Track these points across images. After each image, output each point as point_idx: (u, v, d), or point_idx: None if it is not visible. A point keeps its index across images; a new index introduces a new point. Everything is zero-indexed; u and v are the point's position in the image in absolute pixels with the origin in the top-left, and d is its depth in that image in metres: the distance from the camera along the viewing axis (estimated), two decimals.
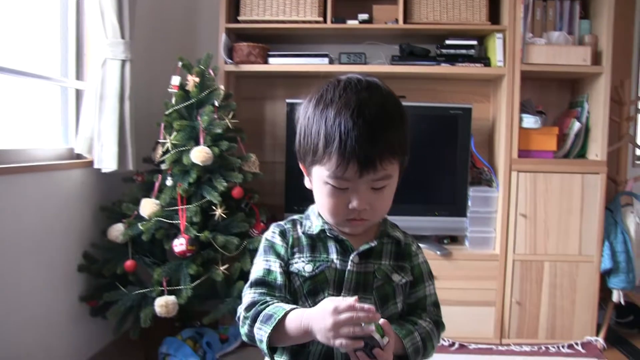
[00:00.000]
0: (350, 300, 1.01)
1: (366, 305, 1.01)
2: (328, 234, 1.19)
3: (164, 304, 2.53)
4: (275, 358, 1.18)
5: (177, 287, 2.60)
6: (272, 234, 1.23)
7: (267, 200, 3.10)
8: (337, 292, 1.16)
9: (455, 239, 3.49)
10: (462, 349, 3.17)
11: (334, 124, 1.06)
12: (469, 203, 3.28)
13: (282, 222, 1.26)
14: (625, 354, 3.21)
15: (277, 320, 1.05)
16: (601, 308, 3.37)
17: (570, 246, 3.24)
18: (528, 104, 3.37)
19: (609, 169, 3.27)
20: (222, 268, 2.64)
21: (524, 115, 3.25)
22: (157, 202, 2.68)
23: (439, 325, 1.26)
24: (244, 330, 1.13)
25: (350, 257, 1.18)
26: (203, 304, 2.75)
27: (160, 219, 2.65)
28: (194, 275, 2.61)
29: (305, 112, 1.14)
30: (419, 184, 3.28)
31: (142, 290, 2.63)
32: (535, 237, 3.23)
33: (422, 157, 3.26)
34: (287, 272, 1.18)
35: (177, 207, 2.67)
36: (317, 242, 1.20)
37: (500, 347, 3.21)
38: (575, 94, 3.58)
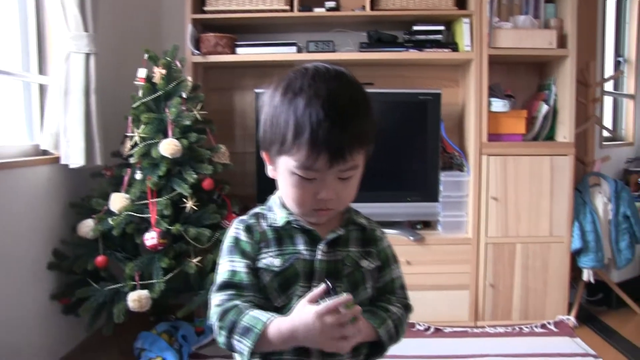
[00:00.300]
0: (320, 287, 1.03)
1: (341, 298, 1.02)
2: (294, 225, 1.18)
3: (136, 298, 2.51)
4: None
5: (150, 281, 2.57)
6: (236, 230, 1.20)
7: (239, 191, 3.09)
8: (308, 283, 1.15)
9: (428, 224, 3.51)
10: (438, 332, 3.20)
11: (305, 114, 1.05)
12: (441, 188, 3.30)
13: (245, 217, 1.23)
14: (596, 330, 3.27)
15: (256, 334, 1.04)
16: (572, 287, 3.43)
17: (541, 227, 3.28)
18: (496, 88, 3.40)
19: (577, 151, 3.31)
20: (194, 260, 2.62)
21: (492, 99, 3.28)
22: (127, 196, 2.65)
23: (407, 308, 1.27)
24: (221, 339, 1.10)
25: (319, 247, 1.17)
26: (177, 297, 2.73)
27: (131, 213, 2.62)
28: (167, 269, 2.58)
29: (272, 101, 1.12)
30: (391, 171, 3.30)
31: (114, 286, 2.60)
32: (507, 220, 3.27)
33: (393, 143, 3.28)
34: (254, 269, 1.15)
35: (147, 201, 2.64)
36: (283, 234, 1.18)
37: (475, 330, 3.25)
38: (542, 77, 3.61)
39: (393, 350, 1.16)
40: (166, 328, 2.82)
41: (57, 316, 2.70)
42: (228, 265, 1.16)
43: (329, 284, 1.04)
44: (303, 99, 1.06)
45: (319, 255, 1.16)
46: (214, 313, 1.12)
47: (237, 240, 1.18)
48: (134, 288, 2.56)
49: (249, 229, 1.19)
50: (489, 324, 3.29)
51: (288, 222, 1.18)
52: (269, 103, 1.13)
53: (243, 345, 1.05)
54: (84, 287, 2.61)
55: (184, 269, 2.62)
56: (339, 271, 1.18)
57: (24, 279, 2.49)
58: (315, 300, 1.03)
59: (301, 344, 1.05)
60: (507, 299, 3.31)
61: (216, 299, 1.13)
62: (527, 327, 3.25)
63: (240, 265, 1.15)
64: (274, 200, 1.24)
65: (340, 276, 1.17)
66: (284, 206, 1.20)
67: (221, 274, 1.16)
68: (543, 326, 3.27)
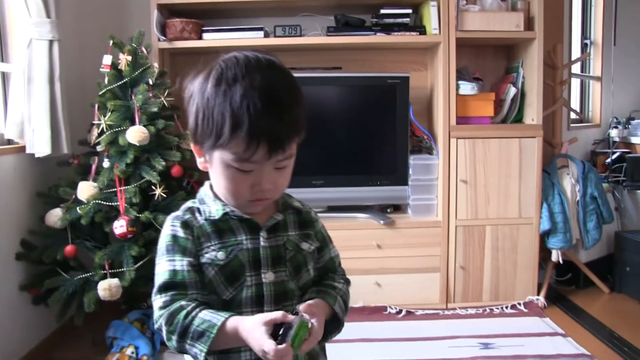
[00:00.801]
0: (278, 315, 1.02)
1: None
2: (232, 216, 1.16)
3: (107, 287, 2.49)
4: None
5: (120, 270, 2.56)
6: (172, 228, 1.15)
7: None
8: (256, 271, 1.14)
9: (398, 208, 3.54)
10: (409, 315, 3.23)
11: (242, 106, 1.01)
12: (410, 171, 3.32)
13: (179, 213, 1.19)
14: (564, 310, 3.33)
15: (211, 338, 1.03)
16: (541, 268, 3.48)
17: (510, 209, 3.32)
18: (465, 71, 3.42)
19: (544, 133, 3.35)
20: None
21: (460, 82, 3.30)
22: (95, 184, 2.63)
23: (348, 283, 1.30)
24: (171, 343, 1.07)
25: (261, 234, 1.16)
26: (147, 285, 2.70)
27: (99, 201, 2.60)
28: (137, 257, 2.57)
29: (202, 92, 1.08)
30: (360, 155, 3.32)
31: (84, 275, 2.59)
32: (476, 202, 3.30)
33: (362, 127, 3.30)
34: (197, 265, 1.13)
35: (115, 189, 2.62)
36: (222, 226, 1.16)
37: (446, 312, 3.29)
38: (510, 59, 3.64)
39: (366, 334, 1.17)
40: (138, 316, 2.81)
41: (26, 307, 2.67)
42: (167, 265, 1.12)
43: (287, 322, 1.02)
44: (239, 90, 1.03)
45: (262, 242, 1.16)
46: (159, 316, 1.08)
47: (175, 238, 1.13)
48: (104, 277, 2.54)
49: (186, 225, 1.15)
50: (459, 306, 3.33)
51: (225, 214, 1.15)
52: (199, 95, 1.08)
53: (197, 350, 1.04)
54: (53, 277, 2.59)
55: (154, 257, 2.60)
56: (281, 256, 1.17)
57: None
58: (270, 324, 1.01)
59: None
60: (478, 280, 3.35)
61: (159, 302, 1.09)
62: (497, 308, 3.30)
63: (181, 264, 1.11)
64: (205, 193, 1.20)
65: (284, 261, 1.17)
66: (217, 198, 1.17)
67: (161, 275, 1.12)
68: (513, 307, 3.31)
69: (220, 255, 1.13)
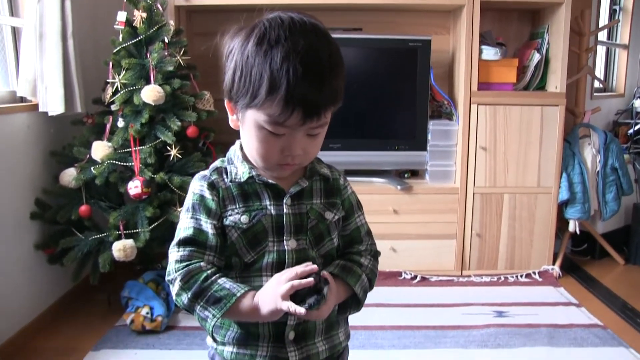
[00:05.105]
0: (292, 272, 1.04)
1: (301, 268, 1.04)
2: (257, 180, 1.14)
3: (121, 248, 2.49)
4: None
5: (135, 231, 2.55)
6: (200, 187, 1.15)
7: (224, 139, 3.00)
8: (278, 237, 1.13)
9: (415, 173, 3.50)
10: (424, 281, 3.22)
11: (282, 69, 0.99)
12: (429, 137, 3.27)
13: (206, 173, 1.17)
14: (579, 280, 3.32)
15: (227, 307, 1.04)
16: (557, 237, 3.44)
17: (529, 178, 3.27)
18: (488, 36, 3.33)
19: (567, 101, 3.27)
20: (179, 209, 2.59)
21: (483, 47, 3.21)
22: (109, 144, 2.60)
23: (376, 256, 1.28)
24: (180, 299, 1.08)
25: (284, 200, 1.15)
26: (162, 246, 2.71)
27: (113, 161, 2.57)
28: (152, 218, 2.56)
29: (243, 50, 1.05)
30: (379, 119, 3.26)
31: (98, 235, 2.58)
32: (495, 170, 3.25)
33: (382, 90, 3.24)
34: (221, 227, 1.13)
35: (130, 149, 2.59)
36: (247, 189, 1.15)
37: (461, 279, 3.27)
38: (535, 24, 3.54)
39: (380, 299, 1.14)
40: (153, 277, 2.81)
41: (42, 266, 2.68)
42: (193, 222, 1.12)
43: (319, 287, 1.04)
44: (280, 52, 1.00)
45: (285, 208, 1.14)
46: (175, 269, 1.09)
47: (202, 198, 1.13)
48: (118, 237, 2.54)
49: (212, 186, 1.14)
50: (474, 273, 3.31)
51: (251, 177, 1.14)
52: (240, 51, 1.05)
53: (209, 313, 1.05)
54: (68, 237, 2.60)
55: (169, 218, 2.60)
56: (303, 224, 1.16)
57: (7, 229, 2.45)
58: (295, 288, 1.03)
59: (258, 317, 1.05)
60: (493, 248, 3.32)
61: (176, 254, 1.10)
62: (512, 277, 3.28)
63: (206, 225, 1.11)
64: (234, 153, 1.19)
65: (305, 229, 1.16)
66: (245, 159, 1.16)
67: (184, 229, 1.12)
68: (528, 276, 3.30)
69: (244, 219, 1.12)
